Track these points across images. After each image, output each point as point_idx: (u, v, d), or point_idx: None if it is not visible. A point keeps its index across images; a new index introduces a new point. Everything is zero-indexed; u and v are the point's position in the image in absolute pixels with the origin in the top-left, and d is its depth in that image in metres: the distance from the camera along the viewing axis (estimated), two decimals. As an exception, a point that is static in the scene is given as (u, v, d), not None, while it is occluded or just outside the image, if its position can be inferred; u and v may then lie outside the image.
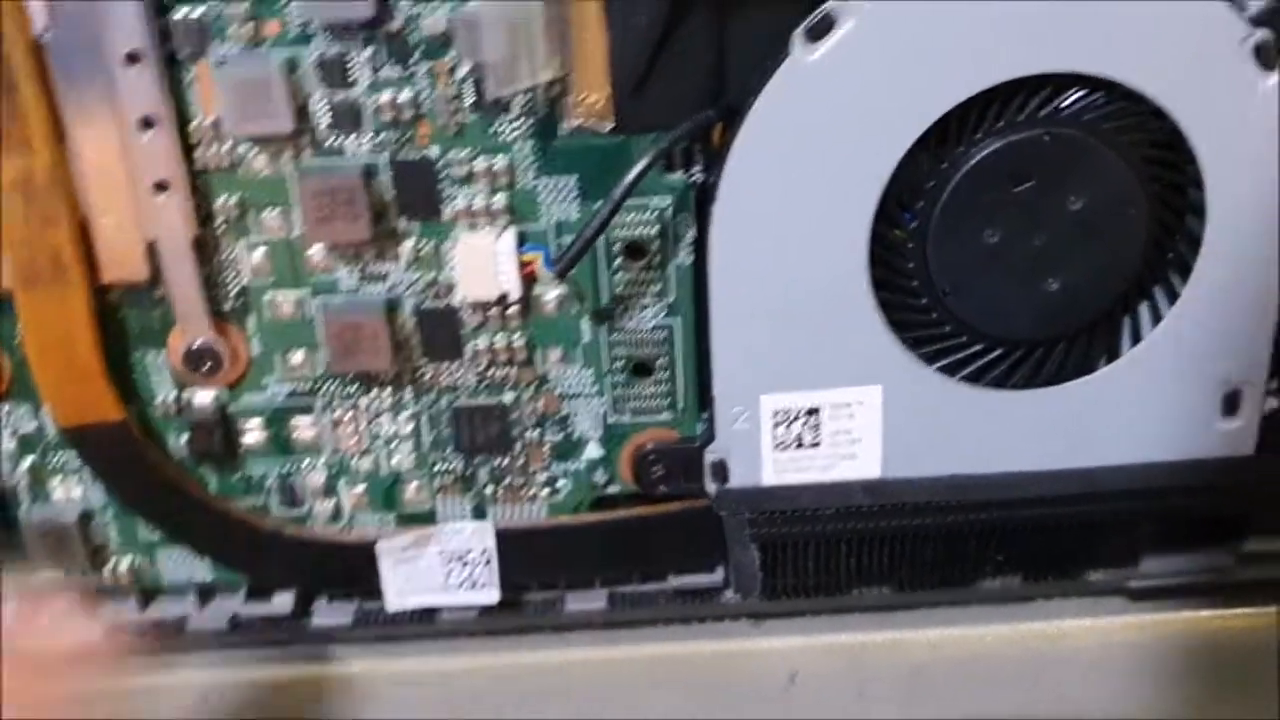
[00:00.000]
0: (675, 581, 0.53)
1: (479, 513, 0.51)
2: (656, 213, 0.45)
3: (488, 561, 0.50)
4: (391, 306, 0.46)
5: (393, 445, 0.49)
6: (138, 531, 0.51)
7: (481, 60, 0.41)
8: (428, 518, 0.51)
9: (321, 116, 0.43)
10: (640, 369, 0.48)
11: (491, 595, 0.51)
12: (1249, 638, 0.54)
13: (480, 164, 0.44)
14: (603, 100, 0.43)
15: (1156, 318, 0.46)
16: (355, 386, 0.48)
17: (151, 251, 0.45)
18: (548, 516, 0.51)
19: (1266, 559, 0.53)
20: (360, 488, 0.50)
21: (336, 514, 0.51)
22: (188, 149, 0.44)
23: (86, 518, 0.50)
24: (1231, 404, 0.48)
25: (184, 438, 0.49)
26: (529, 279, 0.45)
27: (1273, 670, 0.53)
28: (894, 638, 0.54)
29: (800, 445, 0.48)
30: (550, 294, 0.46)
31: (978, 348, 0.46)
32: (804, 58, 0.41)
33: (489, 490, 0.50)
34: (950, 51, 0.41)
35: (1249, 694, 0.54)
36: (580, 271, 0.46)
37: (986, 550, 0.51)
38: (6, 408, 0.48)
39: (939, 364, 0.46)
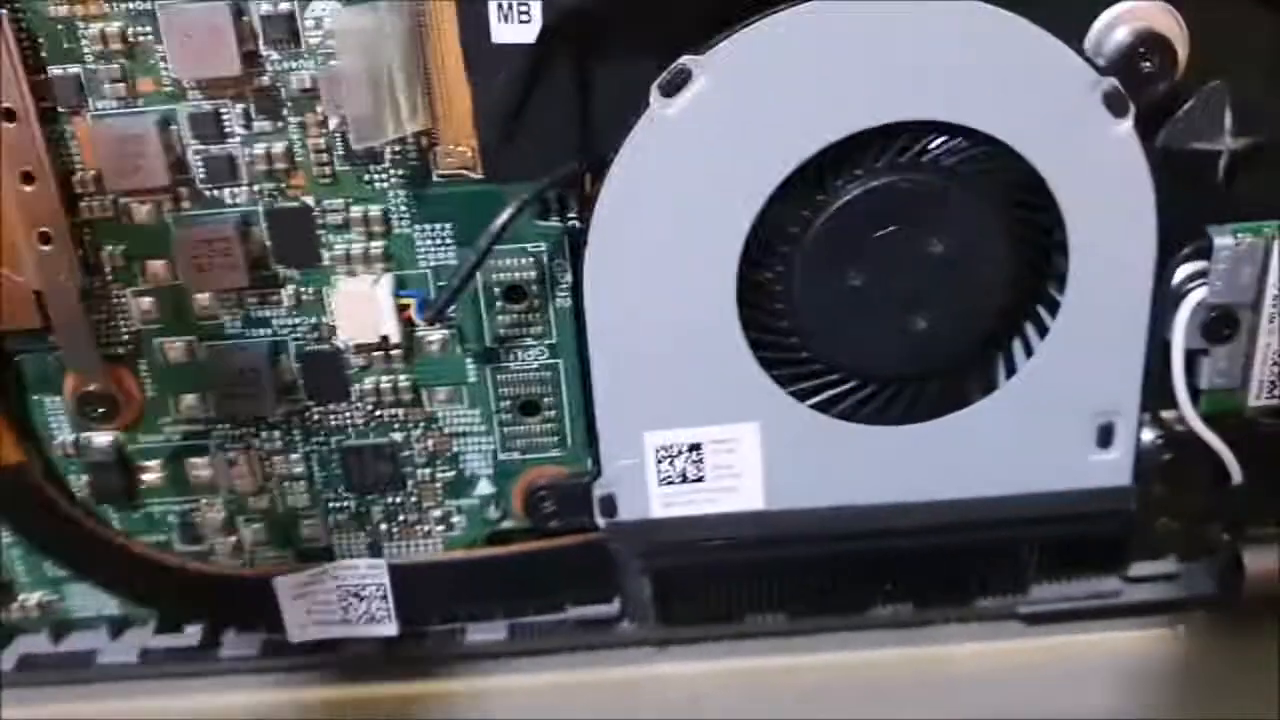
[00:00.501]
0: (574, 612, 0.54)
1: (375, 548, 0.51)
2: (533, 258, 0.46)
3: (383, 596, 0.51)
4: (276, 350, 0.47)
5: (286, 485, 0.50)
6: (45, 568, 0.52)
7: (345, 115, 0.42)
8: (325, 553, 0.51)
9: (198, 169, 0.44)
10: (528, 407, 0.49)
11: (389, 628, 0.52)
12: (1140, 658, 0.55)
13: (356, 212, 0.45)
14: (470, 151, 0.44)
15: (1029, 352, 0.47)
16: (247, 428, 0.49)
17: (41, 300, 0.46)
18: (443, 551, 0.52)
19: (1153, 581, 0.54)
20: (258, 525, 0.51)
21: (238, 549, 0.51)
22: (72, 200, 0.45)
23: (-9, 556, 0.51)
24: (1106, 436, 0.48)
25: (84, 479, 0.50)
26: (409, 322, 0.46)
27: (1163, 690, 0.54)
28: (791, 662, 0.55)
29: (685, 479, 0.49)
30: (434, 336, 0.47)
31: (849, 385, 0.47)
32: (661, 111, 0.42)
33: (384, 527, 0.51)
34: (805, 103, 0.42)
35: (1146, 712, 0.55)
36: (464, 314, 0.47)
37: (875, 578, 0.52)
38: (-93, 452, 0.49)
39: (812, 401, 0.47)
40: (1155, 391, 0.48)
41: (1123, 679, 0.55)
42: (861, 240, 0.44)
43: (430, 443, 0.50)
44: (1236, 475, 0.49)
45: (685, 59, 0.41)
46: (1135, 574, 0.54)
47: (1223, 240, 0.45)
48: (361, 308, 0.46)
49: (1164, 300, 0.46)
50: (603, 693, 0.54)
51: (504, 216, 0.43)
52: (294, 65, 0.43)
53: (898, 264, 0.45)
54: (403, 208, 0.45)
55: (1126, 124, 0.43)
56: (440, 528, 0.51)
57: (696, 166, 0.43)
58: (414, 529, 0.51)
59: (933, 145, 0.44)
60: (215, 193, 0.45)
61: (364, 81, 0.41)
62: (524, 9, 0.41)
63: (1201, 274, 0.46)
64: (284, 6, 0.42)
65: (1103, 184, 0.44)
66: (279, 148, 0.44)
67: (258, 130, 0.44)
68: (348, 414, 0.49)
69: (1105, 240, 0.45)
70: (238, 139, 0.44)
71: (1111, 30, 0.43)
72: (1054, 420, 0.48)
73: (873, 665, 0.55)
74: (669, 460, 0.48)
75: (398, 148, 0.44)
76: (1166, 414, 0.49)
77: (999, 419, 0.48)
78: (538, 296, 0.47)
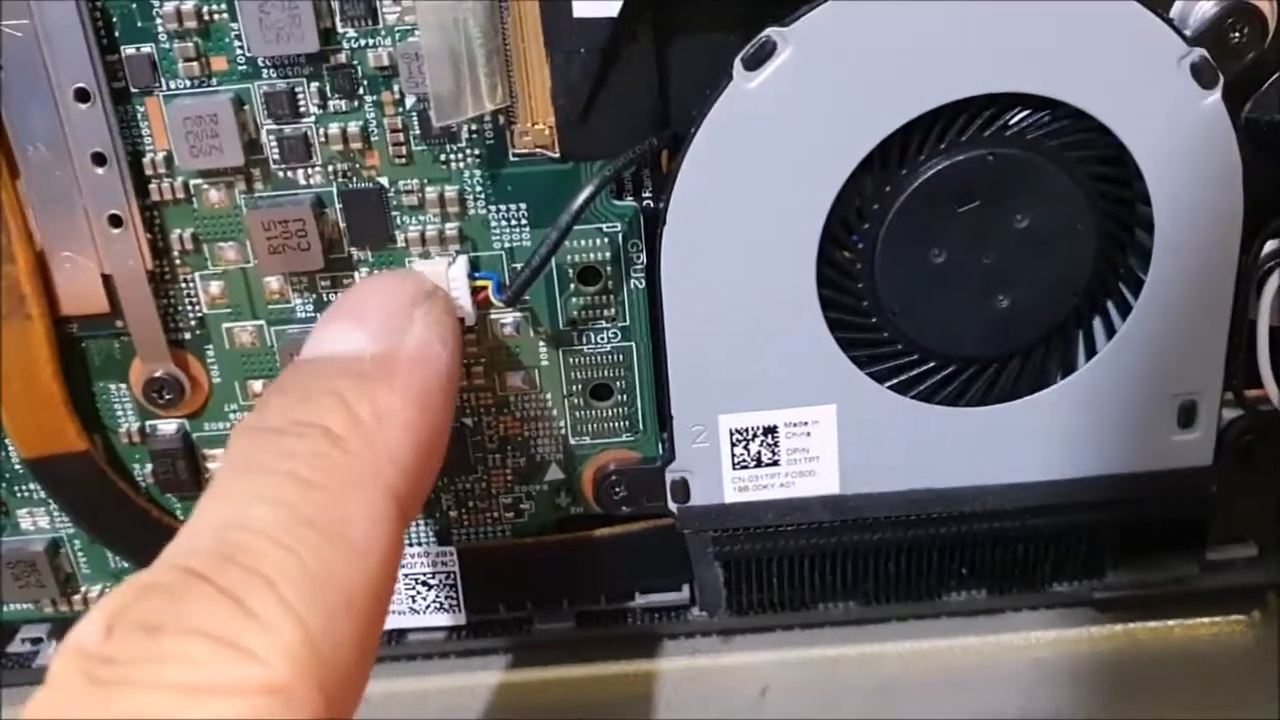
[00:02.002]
0: (642, 600, 0.53)
1: (443, 536, 0.51)
2: (608, 238, 0.45)
3: (452, 584, 0.50)
4: (348, 334, 0.46)
5: (355, 470, 0.49)
6: (107, 559, 0.51)
7: (425, 93, 0.41)
8: (393, 541, 0.51)
9: (271, 149, 0.43)
10: (599, 391, 0.49)
11: (457, 617, 0.51)
12: (1215, 646, 0.54)
13: (430, 192, 0.44)
14: (548, 129, 0.43)
15: (1110, 332, 0.47)
16: (316, 414, 0.48)
17: (109, 284, 0.45)
18: (512, 538, 0.51)
19: (1230, 567, 0.53)
20: (325, 512, 0.50)
21: (303, 538, 0.51)
22: (142, 183, 0.44)
23: (55, 546, 0.51)
24: (1188, 416, 0.48)
25: (149, 467, 0.49)
26: (483, 304, 0.45)
27: (1239, 678, 0.53)
28: (863, 651, 0.54)
29: (759, 463, 0.48)
30: (506, 319, 0.47)
31: (929, 366, 0.47)
32: (744, 85, 0.41)
33: (452, 513, 0.50)
34: (890, 75, 0.41)
35: (1216, 702, 0.54)
36: (535, 296, 0.46)
37: (950, 563, 0.51)
38: (-28, 440, 0.49)
39: (891, 382, 0.47)
40: (1238, 370, 0.47)
41: (1198, 666, 0.54)
42: (944, 216, 0.44)
43: (501, 427, 0.49)
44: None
45: (770, 30, 0.41)
46: (1213, 559, 0.53)
47: (1311, 215, 0.44)
48: (437, 289, 0.45)
49: (1249, 276, 0.46)
50: (672, 681, 0.53)
51: (586, 193, 0.42)
52: (371, 42, 0.42)
53: (981, 241, 0.44)
54: (478, 188, 0.44)
55: (1215, 96, 0.42)
56: (509, 514, 0.51)
57: (779, 142, 0.42)
58: (483, 515, 0.51)
59: (1017, 118, 0.43)
60: (289, 173, 0.44)
61: (445, 58, 0.40)
62: (607, -18, 0.40)
63: (1288, 249, 0.45)
64: (362, -18, 0.41)
65: (1189, 157, 0.43)
66: (354, 127, 0.43)
67: (333, 109, 0.43)
68: (418, 398, 0.48)
69: (1190, 215, 0.44)
70: (312, 118, 0.43)
71: (1198, 1, 0.42)
72: (1135, 400, 0.47)
73: (944, 653, 0.54)
74: (743, 444, 0.48)
75: (474, 127, 0.43)
76: (1249, 393, 0.48)
77: (1079, 399, 0.47)
78: (611, 278, 0.46)
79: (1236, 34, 0.42)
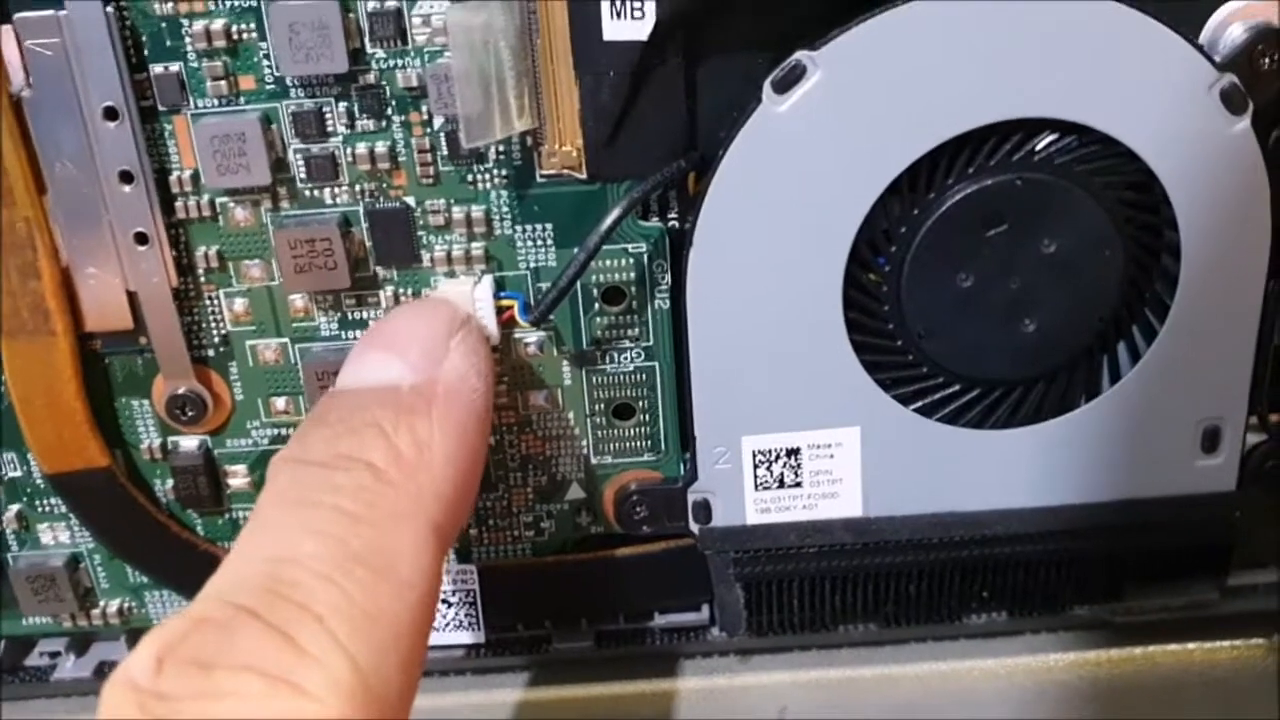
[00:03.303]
0: (661, 620, 0.53)
1: (462, 553, 0.51)
2: (633, 259, 0.45)
3: (472, 602, 0.50)
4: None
5: (376, 489, 0.49)
6: (126, 574, 0.51)
7: (454, 114, 0.41)
8: (413, 559, 0.51)
9: (298, 168, 0.43)
10: (621, 411, 0.49)
11: (477, 635, 0.51)
12: (1235, 670, 0.54)
13: (457, 212, 0.44)
14: (575, 151, 0.43)
15: (1135, 356, 0.46)
16: (338, 432, 0.48)
17: (133, 301, 0.45)
18: (532, 557, 0.51)
19: (1251, 592, 0.53)
20: (345, 530, 0.50)
21: (323, 555, 0.51)
22: (168, 200, 0.44)
23: (75, 561, 0.51)
24: (1212, 441, 0.48)
25: (170, 483, 0.49)
26: (507, 324, 0.45)
27: (1259, 702, 0.53)
28: (882, 673, 0.54)
29: (782, 485, 0.48)
30: (530, 338, 0.47)
31: (954, 389, 0.46)
32: (773, 108, 0.41)
33: (473, 531, 0.50)
34: (920, 99, 0.41)
35: (1240, 727, 0.54)
36: (560, 316, 0.46)
37: (971, 586, 0.51)
38: (-7, 455, 0.49)
39: (916, 405, 0.46)
40: (1262, 395, 0.47)
41: (1218, 690, 0.54)
42: (972, 241, 0.44)
43: (522, 446, 0.49)
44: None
45: (800, 54, 0.41)
46: (1233, 583, 0.53)
47: (1337, 242, 0.44)
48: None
49: (1275, 301, 0.45)
50: (690, 701, 0.53)
51: (614, 214, 0.42)
52: (400, 63, 0.42)
53: (1007, 265, 0.44)
54: (504, 208, 0.44)
55: (1244, 122, 0.42)
56: (530, 532, 0.50)
57: (807, 165, 0.42)
58: (504, 534, 0.51)
59: (1045, 143, 0.43)
60: (315, 192, 0.44)
61: (475, 80, 0.40)
62: (637, 6, 0.40)
63: (1315, 276, 0.45)
64: (390, 4, 0.41)
65: (1217, 183, 0.43)
66: (382, 147, 0.43)
67: (360, 129, 0.43)
68: (442, 417, 0.48)
69: (1218, 241, 0.44)
70: (340, 138, 0.43)
71: (1228, 26, 0.42)
72: (1159, 424, 0.47)
73: (962, 675, 0.54)
74: (766, 465, 0.48)
75: (502, 147, 0.43)
76: (1274, 418, 0.48)
77: (1103, 423, 0.47)
78: (636, 298, 0.46)
79: (1267, 60, 0.42)
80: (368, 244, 0.45)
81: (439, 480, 0.37)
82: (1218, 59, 0.42)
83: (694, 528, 0.49)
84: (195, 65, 0.42)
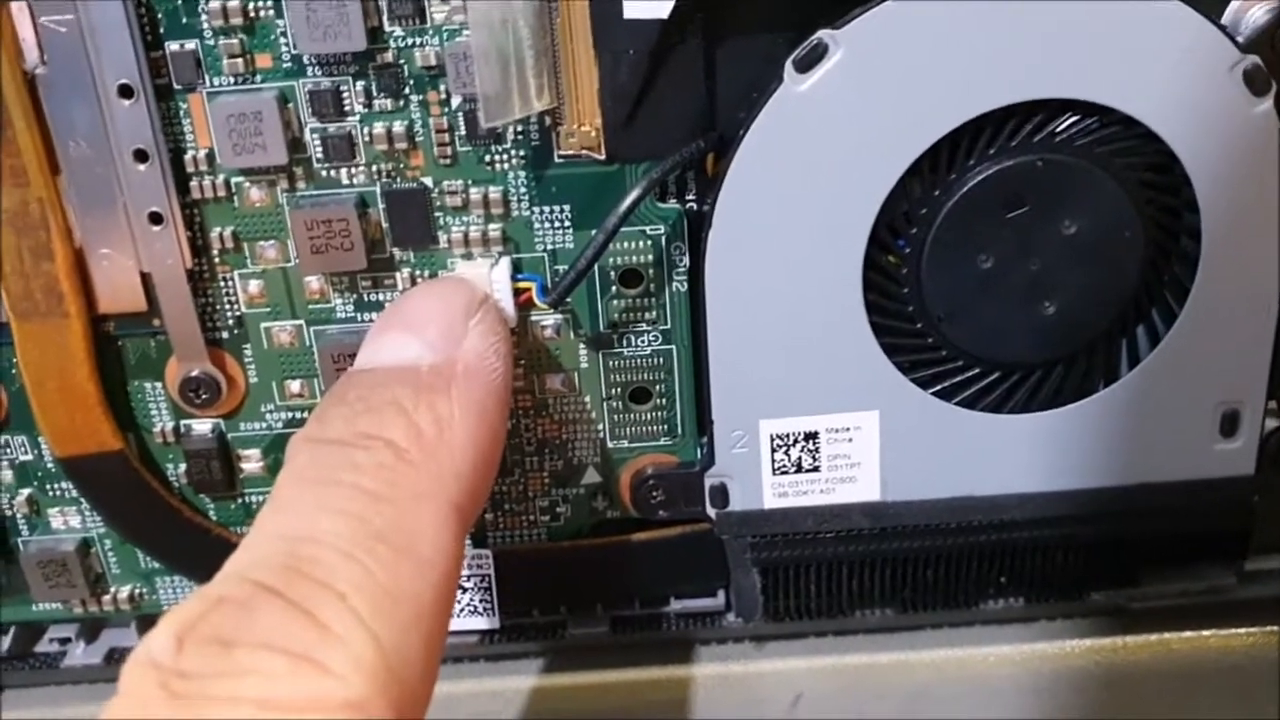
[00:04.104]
0: (677, 605, 0.53)
1: (478, 538, 0.50)
2: (651, 241, 0.45)
3: (487, 587, 0.50)
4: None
5: (390, 473, 0.49)
6: (137, 559, 0.51)
7: (473, 93, 0.41)
8: (427, 544, 0.50)
9: (315, 148, 0.43)
10: (639, 394, 0.48)
11: (492, 620, 0.51)
12: (1251, 657, 0.53)
13: (474, 193, 0.44)
14: (594, 131, 0.43)
15: (1154, 340, 0.46)
16: (353, 414, 0.48)
17: (147, 282, 0.45)
18: (548, 541, 0.51)
19: (1268, 577, 0.53)
20: (360, 514, 0.50)
21: (337, 540, 0.50)
22: (183, 180, 0.44)
23: (85, 546, 0.50)
24: (1230, 424, 0.47)
25: (183, 467, 0.49)
26: (525, 306, 0.45)
27: (1274, 689, 0.53)
28: (897, 659, 0.54)
29: (800, 469, 0.48)
30: (547, 320, 0.46)
31: (973, 373, 0.46)
32: (795, 88, 0.41)
33: (489, 516, 0.50)
34: (941, 79, 0.41)
35: (1252, 712, 0.54)
36: (577, 299, 0.46)
37: (988, 572, 0.51)
38: (4, 438, 0.48)
39: (935, 388, 0.46)
40: (1280, 379, 0.47)
41: (1233, 676, 0.54)
42: (992, 222, 0.43)
43: (539, 430, 0.49)
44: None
45: (822, 33, 0.41)
46: (1250, 569, 0.52)
47: (1358, 224, 0.44)
48: (479, 290, 0.44)
49: (1294, 284, 0.45)
50: (706, 686, 0.53)
51: (633, 196, 0.42)
52: (418, 41, 0.42)
53: (1028, 247, 0.44)
54: (522, 189, 0.44)
55: (1267, 103, 0.42)
56: (545, 517, 0.50)
57: (828, 145, 0.42)
58: (519, 518, 0.50)
59: (1067, 124, 0.43)
60: (332, 172, 0.44)
61: (494, 59, 0.40)
62: (658, -17, 0.40)
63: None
64: (410, -18, 0.41)
65: (1239, 165, 0.43)
66: (399, 127, 0.43)
67: (378, 109, 0.43)
68: (457, 400, 0.48)
69: (1238, 223, 0.44)
70: (357, 117, 0.43)
71: (1250, 8, 0.42)
72: (1177, 408, 0.47)
73: (978, 661, 0.54)
74: (784, 449, 0.47)
75: (520, 128, 0.43)
76: (1293, 401, 0.48)
77: (1122, 407, 0.47)
78: (653, 281, 0.46)
79: (1290, 41, 0.42)
80: (384, 225, 0.44)
81: (459, 460, 0.36)
82: (1240, 39, 0.42)
83: (711, 512, 0.49)
84: (211, 43, 0.42)
